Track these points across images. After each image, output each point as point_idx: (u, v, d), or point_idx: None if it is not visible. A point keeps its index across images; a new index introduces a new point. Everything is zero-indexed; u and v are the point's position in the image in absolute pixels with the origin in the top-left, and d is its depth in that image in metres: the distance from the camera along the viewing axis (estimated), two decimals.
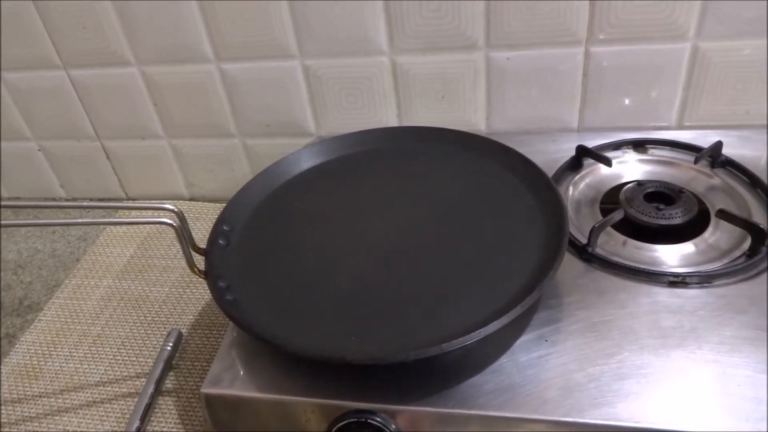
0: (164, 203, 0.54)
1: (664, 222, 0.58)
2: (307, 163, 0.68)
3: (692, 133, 0.71)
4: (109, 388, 0.63)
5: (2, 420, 0.61)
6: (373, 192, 0.65)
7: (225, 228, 0.59)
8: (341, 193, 0.65)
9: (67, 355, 0.68)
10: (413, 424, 0.46)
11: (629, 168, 0.68)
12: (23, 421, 0.61)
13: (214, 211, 0.87)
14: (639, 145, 0.70)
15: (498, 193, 0.61)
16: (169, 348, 0.65)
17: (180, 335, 0.67)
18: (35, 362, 0.68)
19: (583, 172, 0.68)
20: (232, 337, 0.54)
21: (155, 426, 0.59)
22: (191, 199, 0.93)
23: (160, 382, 0.62)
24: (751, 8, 0.65)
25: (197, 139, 0.86)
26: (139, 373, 0.65)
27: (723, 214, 0.57)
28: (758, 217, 0.59)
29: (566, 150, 0.70)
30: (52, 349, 0.69)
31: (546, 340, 0.49)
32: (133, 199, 0.95)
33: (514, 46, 0.71)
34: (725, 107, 0.72)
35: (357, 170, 0.68)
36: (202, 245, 0.56)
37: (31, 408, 0.63)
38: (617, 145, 0.70)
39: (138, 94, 0.82)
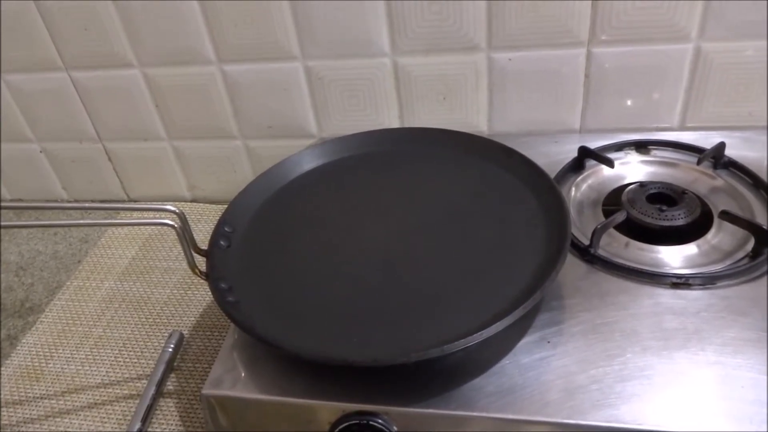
0: (166, 205, 0.54)
1: (666, 223, 0.58)
2: (308, 164, 0.68)
3: (695, 134, 0.71)
4: (110, 390, 0.63)
5: (3, 422, 0.61)
6: (375, 193, 0.64)
7: (226, 229, 0.59)
8: (343, 195, 0.65)
9: (69, 357, 0.68)
10: (415, 426, 0.46)
11: (632, 169, 0.68)
12: (24, 422, 0.61)
13: (215, 212, 0.87)
14: (641, 146, 0.70)
15: (500, 195, 0.61)
16: (170, 350, 0.65)
17: (181, 337, 0.67)
18: (36, 364, 0.68)
19: (586, 174, 0.68)
20: (234, 339, 0.54)
21: (156, 428, 0.59)
22: (193, 201, 0.93)
23: (161, 383, 0.62)
24: (753, 10, 0.65)
25: (199, 141, 0.86)
26: (141, 374, 0.65)
27: (726, 216, 0.57)
28: (761, 218, 0.58)
29: (568, 151, 0.70)
30: (53, 350, 0.69)
31: (548, 342, 0.49)
32: (135, 201, 0.95)
33: (515, 47, 0.71)
34: (728, 108, 0.72)
35: (359, 172, 0.68)
36: (204, 247, 0.56)
37: (33, 410, 0.63)
38: (619, 147, 0.70)
39: (140, 96, 0.82)
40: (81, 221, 0.80)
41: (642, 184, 0.63)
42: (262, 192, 0.65)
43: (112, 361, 0.67)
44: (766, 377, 0.45)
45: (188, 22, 0.74)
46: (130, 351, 0.67)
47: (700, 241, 0.57)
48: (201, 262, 0.55)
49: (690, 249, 0.57)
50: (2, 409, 0.63)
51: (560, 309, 0.52)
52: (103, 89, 0.83)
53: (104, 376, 0.65)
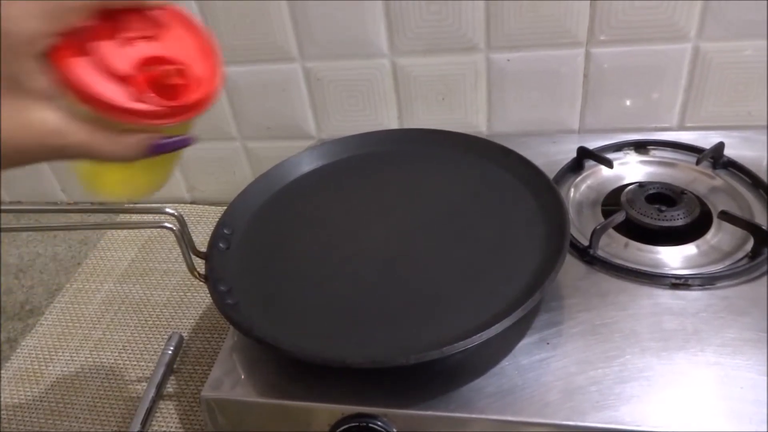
0: (165, 207, 0.54)
1: (665, 224, 0.58)
2: (308, 165, 0.68)
3: (694, 134, 0.71)
4: (110, 392, 0.63)
5: (3, 424, 0.61)
6: (374, 195, 0.64)
7: (225, 231, 0.59)
8: (342, 196, 0.65)
9: (68, 360, 0.68)
10: (414, 428, 0.46)
11: (631, 169, 0.68)
12: (24, 425, 0.61)
13: (214, 214, 0.87)
14: (640, 147, 0.70)
15: (499, 196, 0.61)
16: (169, 352, 0.65)
17: (181, 339, 0.67)
18: (36, 366, 0.68)
19: (585, 174, 0.68)
20: (233, 341, 0.54)
21: (156, 430, 0.59)
22: (192, 203, 0.92)
23: (161, 386, 0.62)
24: (752, 9, 0.65)
25: (198, 142, 0.86)
26: (140, 377, 0.65)
27: (725, 216, 0.57)
28: (760, 218, 0.58)
29: (567, 152, 0.70)
30: (53, 353, 0.69)
31: (547, 343, 0.49)
32: (134, 203, 0.95)
33: (514, 47, 0.71)
34: (727, 108, 0.72)
35: (358, 173, 0.68)
36: (203, 248, 0.56)
37: (32, 412, 0.63)
38: (618, 147, 0.70)
39: None
40: (80, 224, 0.79)
41: (641, 185, 0.63)
42: (262, 193, 0.65)
43: (112, 363, 0.67)
44: (765, 377, 0.44)
45: None
46: (130, 353, 0.67)
47: (699, 241, 0.57)
48: (200, 264, 0.55)
49: (689, 249, 0.57)
50: (2, 411, 0.63)
51: (559, 310, 0.52)
52: None
53: (104, 378, 0.65)
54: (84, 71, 0.33)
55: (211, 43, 0.39)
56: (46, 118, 0.32)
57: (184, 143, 0.39)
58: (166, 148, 0.38)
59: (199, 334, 0.69)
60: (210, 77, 0.38)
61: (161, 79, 0.35)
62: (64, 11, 0.32)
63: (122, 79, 0.34)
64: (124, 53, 0.35)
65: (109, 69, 0.34)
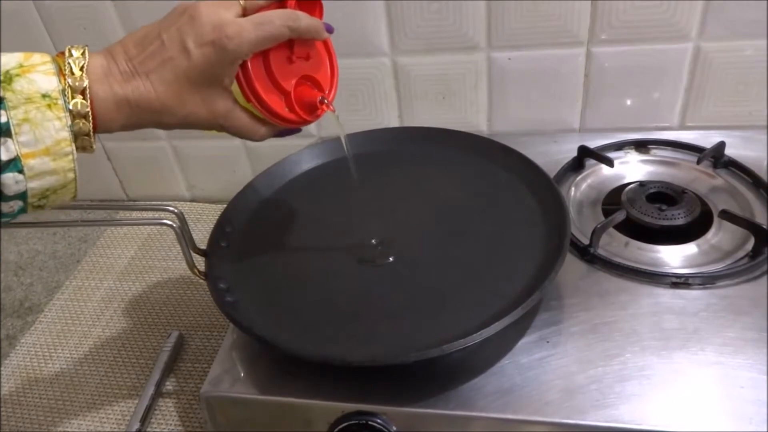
0: (165, 204, 0.54)
1: (666, 223, 0.58)
2: (308, 164, 0.68)
3: (695, 134, 0.71)
4: (109, 390, 0.63)
5: (2, 421, 0.61)
6: (375, 193, 0.64)
7: (226, 229, 0.59)
8: (342, 194, 0.64)
9: (68, 357, 0.68)
10: (414, 426, 0.46)
11: (631, 168, 0.68)
12: (23, 422, 0.61)
13: (214, 212, 0.87)
14: (641, 146, 0.70)
15: (499, 195, 0.61)
16: (169, 349, 0.65)
17: (180, 337, 0.67)
18: (35, 364, 0.68)
19: (585, 173, 0.68)
20: (233, 339, 0.54)
21: (155, 428, 0.59)
22: (192, 200, 0.92)
23: (160, 383, 0.62)
24: (753, 9, 0.65)
25: (198, 140, 0.86)
26: (140, 374, 0.64)
27: (726, 215, 0.57)
28: (761, 217, 0.58)
29: (568, 151, 0.70)
30: (52, 350, 0.69)
31: (547, 342, 0.49)
32: (134, 201, 0.95)
33: (515, 46, 0.71)
34: (727, 108, 0.72)
35: (358, 171, 0.67)
36: (203, 246, 0.56)
37: (32, 409, 0.62)
38: (619, 146, 0.70)
39: None
40: (80, 221, 0.79)
41: (642, 184, 0.63)
42: (262, 191, 0.65)
43: (111, 361, 0.67)
44: (766, 377, 0.44)
45: None
46: (129, 351, 0.67)
47: (699, 240, 0.57)
48: (200, 261, 0.55)
49: (690, 248, 0.57)
50: (1, 408, 0.63)
51: (560, 309, 0.52)
52: None
53: (103, 376, 0.65)
54: (261, 81, 0.45)
55: (337, 68, 0.51)
56: (226, 105, 0.45)
57: (295, 132, 0.51)
58: (284, 136, 0.51)
59: (199, 332, 0.68)
60: (330, 97, 0.50)
61: (308, 99, 0.48)
62: (267, 42, 0.44)
63: (284, 92, 0.47)
64: (288, 69, 0.47)
65: (276, 82, 0.46)
